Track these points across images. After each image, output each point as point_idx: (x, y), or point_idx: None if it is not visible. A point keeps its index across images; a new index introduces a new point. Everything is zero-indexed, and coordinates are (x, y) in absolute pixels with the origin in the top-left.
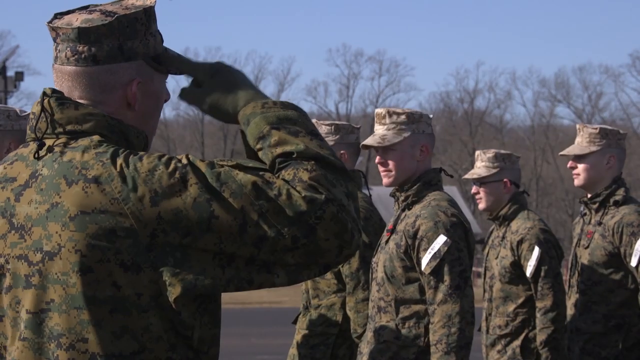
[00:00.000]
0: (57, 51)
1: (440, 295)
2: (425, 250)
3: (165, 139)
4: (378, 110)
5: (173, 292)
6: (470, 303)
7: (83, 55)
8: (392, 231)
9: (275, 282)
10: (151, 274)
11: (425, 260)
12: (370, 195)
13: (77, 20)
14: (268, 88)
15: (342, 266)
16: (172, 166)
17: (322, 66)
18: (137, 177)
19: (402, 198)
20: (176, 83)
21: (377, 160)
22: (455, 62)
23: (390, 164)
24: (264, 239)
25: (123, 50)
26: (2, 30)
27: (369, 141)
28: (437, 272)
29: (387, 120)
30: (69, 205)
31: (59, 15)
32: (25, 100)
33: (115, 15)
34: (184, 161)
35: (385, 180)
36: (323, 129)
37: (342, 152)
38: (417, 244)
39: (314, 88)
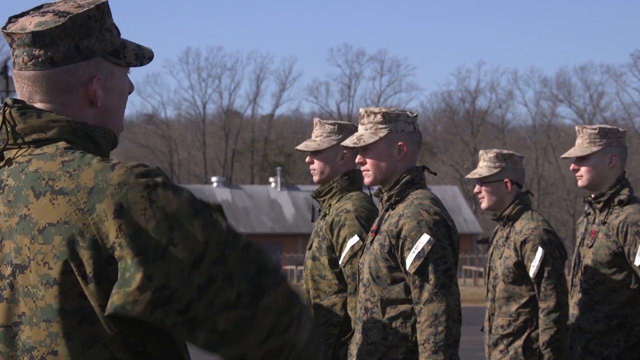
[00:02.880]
0: (15, 56)
1: (425, 295)
2: (409, 249)
3: (166, 139)
4: (360, 110)
5: (107, 309)
6: (456, 301)
7: (40, 59)
8: (377, 232)
9: (193, 343)
10: (107, 287)
11: (409, 259)
12: (371, 195)
13: (30, 24)
14: (270, 88)
15: (344, 266)
16: (142, 183)
17: (324, 66)
18: (105, 188)
19: (385, 198)
20: (178, 83)
21: (356, 160)
22: (457, 62)
23: (368, 163)
24: (213, 281)
25: (80, 50)
26: None
27: (346, 142)
28: (422, 272)
29: (365, 120)
30: (37, 217)
31: (13, 19)
32: None
33: (68, 16)
34: (159, 180)
35: (365, 180)
36: (326, 128)
37: (344, 152)
38: (400, 243)
39: (316, 88)
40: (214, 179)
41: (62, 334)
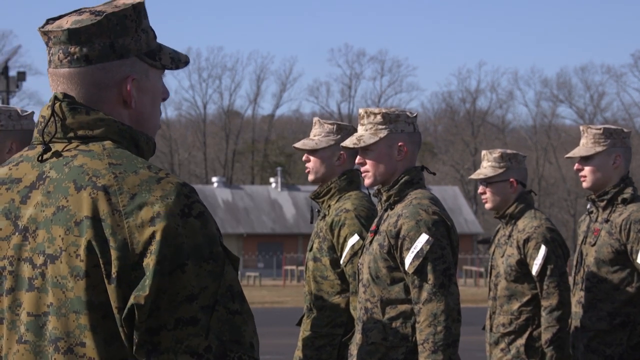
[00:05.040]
0: (50, 55)
1: (424, 294)
2: (408, 249)
3: (167, 139)
4: (359, 111)
5: (125, 312)
6: (455, 300)
7: (75, 56)
8: (376, 232)
9: None
10: (126, 292)
11: (408, 259)
12: (370, 194)
13: (67, 23)
14: (270, 88)
15: (345, 266)
16: (182, 204)
17: (324, 66)
18: (147, 197)
19: (384, 198)
20: (178, 83)
21: (356, 161)
22: (458, 62)
23: (368, 164)
24: (193, 323)
25: (115, 48)
26: (4, 30)
27: (346, 142)
28: (421, 271)
29: (365, 121)
30: (75, 210)
31: (50, 21)
32: (27, 100)
33: (104, 14)
34: (195, 209)
35: (365, 182)
36: (325, 128)
37: (341, 152)
38: (399, 243)
39: (316, 88)
40: (214, 179)
41: (89, 326)
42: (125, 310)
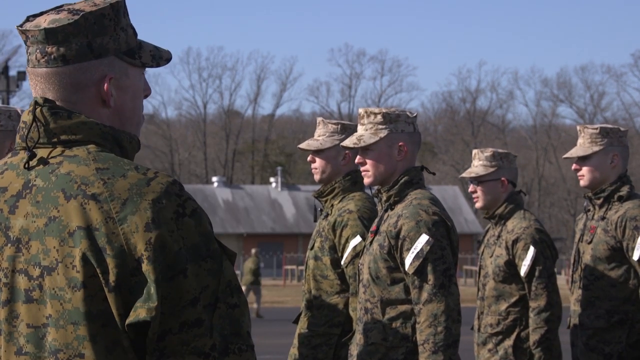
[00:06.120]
0: (29, 54)
1: (425, 295)
2: (408, 250)
3: (167, 139)
4: (359, 111)
5: (130, 319)
6: (455, 301)
7: (52, 56)
8: (376, 232)
9: None
10: (127, 298)
11: (408, 260)
12: (372, 195)
13: (44, 22)
14: (270, 88)
15: (346, 267)
16: (175, 205)
17: (325, 66)
18: (139, 202)
19: (384, 198)
20: (178, 83)
21: (356, 161)
22: (458, 62)
23: (368, 164)
24: (198, 324)
25: (92, 48)
26: (4, 30)
27: (346, 142)
28: (421, 272)
29: (365, 121)
30: (67, 220)
31: (31, 18)
32: (27, 99)
33: (81, 13)
34: (188, 207)
35: (365, 180)
36: (329, 128)
37: (346, 152)
38: (399, 244)
39: (316, 88)
40: (214, 179)
41: (88, 337)
42: (133, 319)
